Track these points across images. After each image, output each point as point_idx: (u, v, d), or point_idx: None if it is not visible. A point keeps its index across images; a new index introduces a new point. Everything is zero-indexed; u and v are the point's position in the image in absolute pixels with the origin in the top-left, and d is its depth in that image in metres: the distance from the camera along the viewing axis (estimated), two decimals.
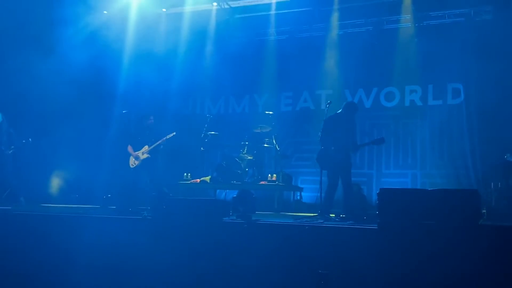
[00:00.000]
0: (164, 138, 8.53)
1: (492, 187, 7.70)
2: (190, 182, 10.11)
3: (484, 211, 6.24)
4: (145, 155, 8.46)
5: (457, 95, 10.28)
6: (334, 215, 7.00)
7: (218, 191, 9.98)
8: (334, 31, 11.27)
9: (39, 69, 10.23)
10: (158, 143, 8.52)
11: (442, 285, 3.20)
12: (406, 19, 10.72)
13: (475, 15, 10.22)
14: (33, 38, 10.49)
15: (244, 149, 9.95)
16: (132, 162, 8.50)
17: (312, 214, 7.54)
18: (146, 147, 8.47)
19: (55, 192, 10.59)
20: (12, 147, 8.49)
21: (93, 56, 10.61)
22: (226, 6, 12.05)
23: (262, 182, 9.60)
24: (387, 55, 10.76)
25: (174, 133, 8.64)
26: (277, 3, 11.54)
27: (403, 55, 10.61)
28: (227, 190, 9.92)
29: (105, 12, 11.45)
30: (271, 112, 10.84)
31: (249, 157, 9.88)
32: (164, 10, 12.30)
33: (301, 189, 10.16)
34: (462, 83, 10.17)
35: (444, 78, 10.35)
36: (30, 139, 8.69)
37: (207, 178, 10.00)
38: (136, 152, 8.47)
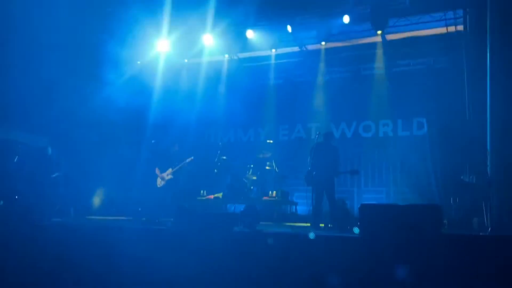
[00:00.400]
0: (184, 162, 8.58)
1: (451, 201, 7.66)
2: (206, 198, 10.09)
3: (445, 221, 6.20)
4: (169, 176, 8.49)
5: (421, 127, 10.33)
6: (323, 225, 6.97)
7: (228, 205, 9.91)
8: (321, 76, 11.40)
9: (90, 103, 10.47)
10: (179, 166, 8.56)
11: (413, 284, 3.17)
12: (379, 67, 10.81)
13: (434, 63, 10.39)
14: (85, 77, 10.71)
15: (249, 171, 9.98)
16: (159, 182, 8.53)
17: (305, 224, 7.52)
18: (170, 170, 8.50)
19: (97, 206, 10.62)
20: (56, 173, 8.58)
21: (131, 96, 10.82)
22: (235, 57, 12.30)
23: (265, 198, 9.57)
24: (364, 95, 10.84)
25: (192, 158, 8.69)
26: (276, 55, 11.81)
27: (377, 95, 10.70)
28: (236, 205, 9.85)
29: (138, 62, 11.70)
30: (271, 141, 11.03)
31: (253, 177, 9.89)
32: (186, 60, 12.53)
33: (296, 203, 10.09)
34: (425, 118, 10.19)
35: (410, 113, 10.43)
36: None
37: (220, 195, 9.98)
38: (162, 174, 8.50)
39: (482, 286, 2.97)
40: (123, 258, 4.77)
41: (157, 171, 8.56)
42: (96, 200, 10.70)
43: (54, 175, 8.50)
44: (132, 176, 9.94)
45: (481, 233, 5.65)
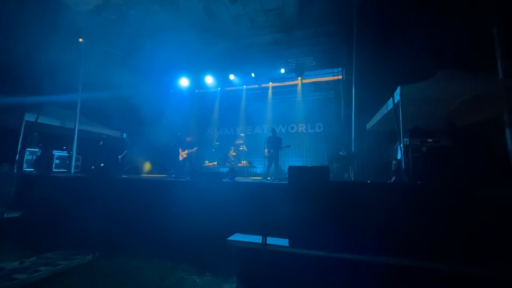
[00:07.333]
0: (193, 149, 8.26)
1: (334, 165, 7.87)
2: (207, 165, 9.86)
3: (331, 175, 6.37)
4: (185, 155, 8.17)
5: (320, 128, 10.47)
6: (270, 178, 6.99)
7: (220, 168, 9.76)
8: (269, 101, 11.33)
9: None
10: (191, 150, 8.23)
11: (317, 208, 3.17)
12: (299, 96, 10.86)
13: (327, 95, 10.49)
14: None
15: (231, 150, 9.80)
16: (181, 157, 8.19)
17: (260, 178, 7.50)
18: (186, 151, 8.19)
19: (148, 170, 10.17)
20: (126, 150, 7.88)
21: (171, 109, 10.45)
22: (224, 89, 12.00)
23: (239, 165, 9.45)
24: (291, 110, 10.84)
25: (196, 148, 8.31)
26: (246, 89, 11.68)
27: (297, 111, 10.75)
28: (224, 168, 9.71)
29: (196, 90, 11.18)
30: (243, 134, 10.86)
31: (233, 154, 9.73)
32: (196, 90, 12.14)
33: (256, 167, 10.06)
34: (322, 123, 10.38)
35: (314, 120, 10.52)
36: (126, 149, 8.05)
37: (215, 163, 9.79)
38: (182, 152, 8.19)
39: (351, 204, 3.04)
40: (162, 195, 4.59)
41: (180, 150, 8.22)
42: (146, 166, 10.24)
43: (124, 152, 7.97)
44: (167, 152, 9.50)
45: (348, 180, 5.86)
